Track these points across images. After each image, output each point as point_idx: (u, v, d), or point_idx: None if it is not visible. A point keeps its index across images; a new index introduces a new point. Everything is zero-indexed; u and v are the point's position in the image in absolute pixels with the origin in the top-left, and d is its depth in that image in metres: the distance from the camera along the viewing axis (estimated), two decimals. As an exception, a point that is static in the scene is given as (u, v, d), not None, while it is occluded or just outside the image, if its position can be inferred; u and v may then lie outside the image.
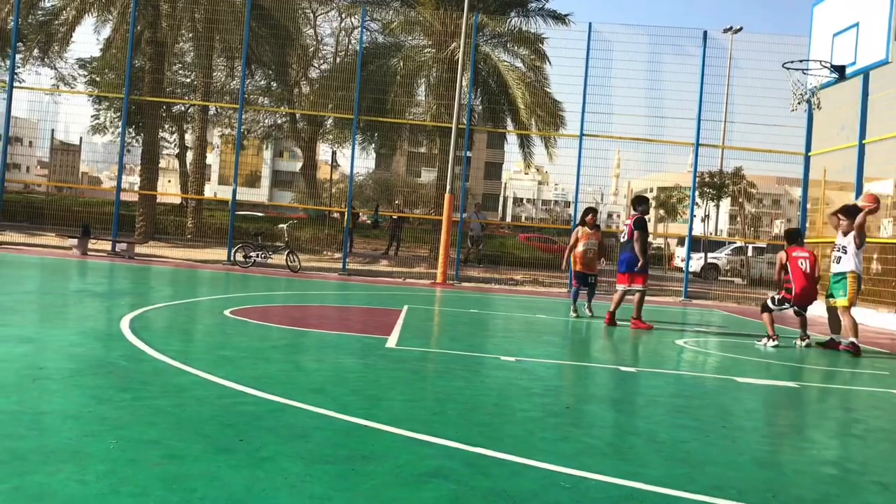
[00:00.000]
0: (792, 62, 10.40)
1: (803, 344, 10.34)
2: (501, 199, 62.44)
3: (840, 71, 10.12)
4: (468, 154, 22.82)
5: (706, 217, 35.25)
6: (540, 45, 24.74)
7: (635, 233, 11.26)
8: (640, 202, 11.75)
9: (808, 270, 10.24)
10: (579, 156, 19.92)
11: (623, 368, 7.68)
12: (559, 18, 24.58)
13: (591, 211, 13.02)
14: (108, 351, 6.43)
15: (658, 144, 20.45)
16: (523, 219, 68.66)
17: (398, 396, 5.50)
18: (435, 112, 24.03)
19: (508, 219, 59.95)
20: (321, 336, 8.39)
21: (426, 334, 9.71)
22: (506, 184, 64.81)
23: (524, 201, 73.66)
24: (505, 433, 4.62)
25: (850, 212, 9.88)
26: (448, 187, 19.68)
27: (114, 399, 4.74)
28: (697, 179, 24.55)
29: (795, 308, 10.43)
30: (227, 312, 9.64)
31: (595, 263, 12.86)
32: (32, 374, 5.30)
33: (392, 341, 8.15)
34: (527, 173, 61.54)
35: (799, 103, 10.69)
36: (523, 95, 23.24)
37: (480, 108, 25.57)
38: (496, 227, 36.10)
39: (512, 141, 28.59)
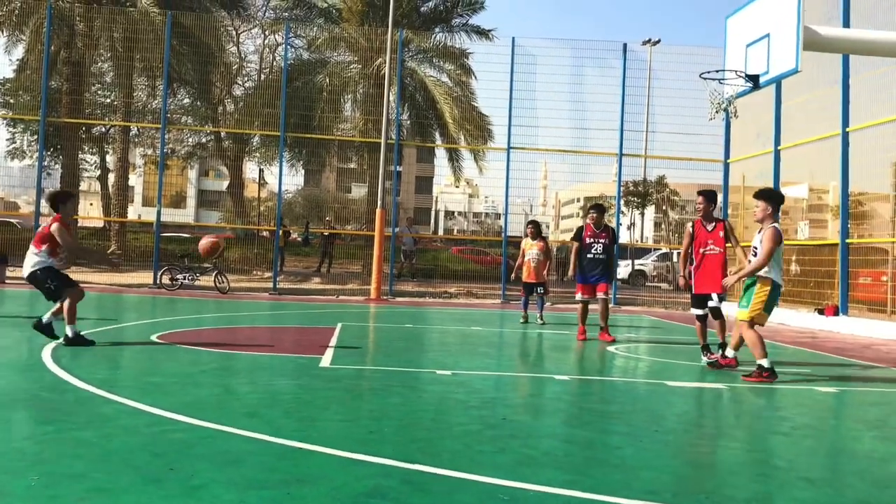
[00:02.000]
0: (708, 72, 10.73)
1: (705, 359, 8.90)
2: (433, 212, 62.59)
3: (754, 80, 10.48)
4: (398, 169, 22.81)
5: (632, 225, 36.06)
6: (465, 59, 24.95)
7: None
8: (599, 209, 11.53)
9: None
10: (507, 168, 20.16)
11: (558, 377, 7.76)
12: (483, 34, 24.86)
13: (532, 223, 13.49)
14: (28, 382, 6.17)
15: (583, 156, 20.84)
16: (455, 232, 69.00)
17: (333, 416, 5.43)
18: (363, 128, 23.96)
19: (441, 232, 60.14)
20: (253, 358, 8.23)
21: (361, 352, 9.62)
22: (437, 197, 65.05)
23: (456, 214, 74.04)
24: (443, 448, 4.61)
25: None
26: (379, 202, 19.63)
27: (35, 433, 4.54)
28: (622, 188, 25.08)
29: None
30: (154, 337, 9.38)
31: (541, 272, 13.23)
32: (-55, 411, 5.04)
33: (326, 360, 8.05)
34: (457, 186, 61.81)
35: (717, 112, 11.00)
36: (451, 110, 23.37)
37: (409, 122, 25.61)
38: (429, 240, 36.14)
39: (441, 155, 28.68)
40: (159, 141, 32.95)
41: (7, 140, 34.22)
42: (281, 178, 21.21)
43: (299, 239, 34.10)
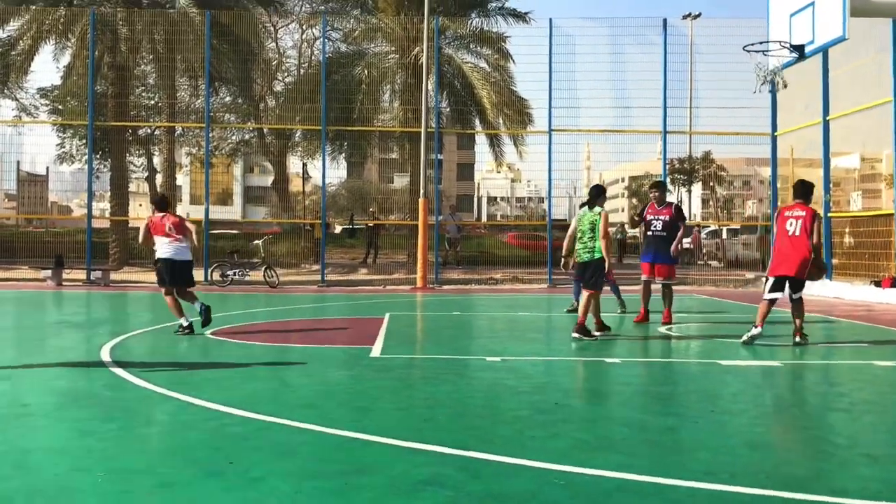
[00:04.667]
0: (752, 44, 10.52)
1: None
2: (476, 199, 62.51)
3: (799, 50, 10.25)
4: (439, 157, 22.83)
5: (679, 203, 35.57)
6: (502, 44, 24.78)
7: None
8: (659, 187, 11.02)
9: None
10: (549, 151, 20.01)
11: (608, 360, 7.71)
12: (519, 17, 24.66)
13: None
14: (90, 382, 6.35)
15: (626, 135, 20.59)
16: (498, 217, 68.81)
17: (387, 406, 5.49)
18: (403, 117, 24.00)
19: (484, 218, 60.05)
20: (304, 350, 8.35)
21: (410, 340, 9.68)
22: (479, 184, 64.91)
23: (498, 200, 73.84)
24: (496, 434, 4.63)
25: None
26: (422, 191, 19.67)
27: (99, 430, 4.68)
28: (668, 166, 24.70)
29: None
30: (208, 333, 9.55)
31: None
32: (14, 411, 5.22)
33: (376, 350, 8.12)
34: (498, 172, 61.61)
35: (762, 84, 10.80)
36: (489, 95, 23.27)
37: (448, 110, 25.58)
38: (472, 227, 36.13)
39: (482, 141, 28.64)
40: (204, 140, 33.57)
41: (57, 145, 35.06)
42: (324, 171, 21.38)
43: (336, 231, 34.38)
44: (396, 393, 6.01)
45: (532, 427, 4.82)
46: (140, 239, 9.81)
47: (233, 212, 52.69)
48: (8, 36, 24.27)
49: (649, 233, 10.56)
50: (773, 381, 6.93)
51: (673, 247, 10.30)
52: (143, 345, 8.77)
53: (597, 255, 8.83)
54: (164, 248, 9.50)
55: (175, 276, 9.58)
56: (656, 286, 10.70)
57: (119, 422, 4.88)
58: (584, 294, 9.02)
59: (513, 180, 71.81)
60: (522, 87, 24.30)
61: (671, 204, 10.70)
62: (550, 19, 20.00)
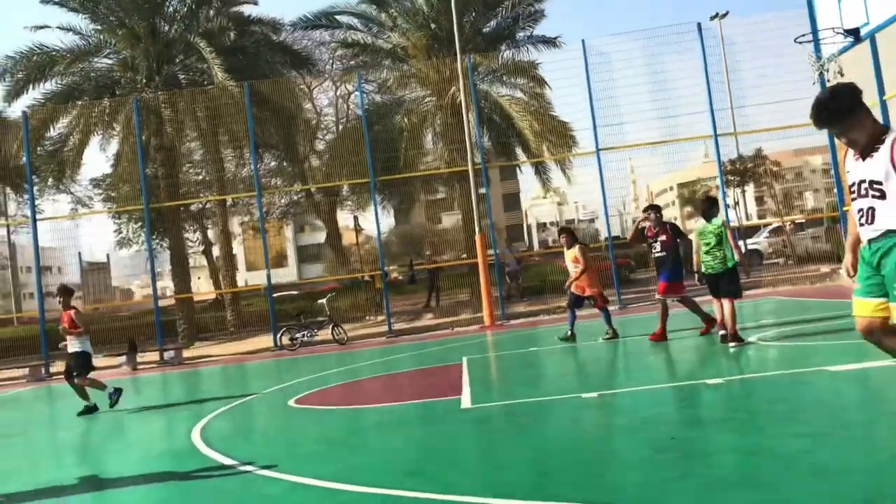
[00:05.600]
0: (803, 35, 10.19)
1: None
2: (525, 227, 62.24)
3: (855, 34, 9.89)
4: (487, 191, 22.70)
5: (736, 204, 34.76)
6: (536, 71, 24.76)
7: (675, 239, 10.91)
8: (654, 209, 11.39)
9: None
10: (600, 171, 19.74)
11: (709, 382, 7.37)
12: (550, 42, 24.67)
13: (563, 231, 12.64)
14: (187, 467, 6.26)
15: (673, 144, 20.25)
16: (550, 242, 68.33)
17: (498, 462, 5.26)
18: (447, 157, 24.04)
19: (536, 245, 59.65)
20: (393, 410, 8.18)
21: (497, 385, 9.46)
22: (526, 212, 64.67)
23: (548, 225, 73.40)
24: (624, 481, 4.37)
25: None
26: (477, 227, 19.57)
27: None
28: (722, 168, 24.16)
29: None
30: (291, 403, 9.46)
31: (586, 283, 12.04)
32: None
33: (466, 401, 7.91)
34: (545, 198, 61.39)
35: (819, 74, 10.43)
36: (530, 124, 23.19)
37: (490, 143, 25.58)
38: (529, 257, 35.79)
39: (526, 170, 28.51)
40: (254, 207, 34.10)
41: (114, 231, 36.01)
42: (378, 222, 21.47)
43: (400, 278, 34.41)
44: (502, 446, 5.78)
45: (657, 468, 4.55)
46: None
47: (289, 273, 53.28)
48: (59, 133, 25.07)
49: (653, 254, 11.14)
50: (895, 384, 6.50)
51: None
52: (231, 423, 8.71)
53: (729, 265, 9.25)
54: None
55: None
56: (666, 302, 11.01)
57: (230, 512, 4.75)
58: (726, 303, 9.29)
59: (559, 204, 71.45)
60: (562, 111, 24.17)
61: (666, 224, 11.01)
62: (583, 41, 19.90)
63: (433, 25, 25.01)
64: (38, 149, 24.73)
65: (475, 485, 4.62)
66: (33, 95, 25.28)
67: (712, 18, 31.92)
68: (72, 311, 10.67)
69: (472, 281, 23.37)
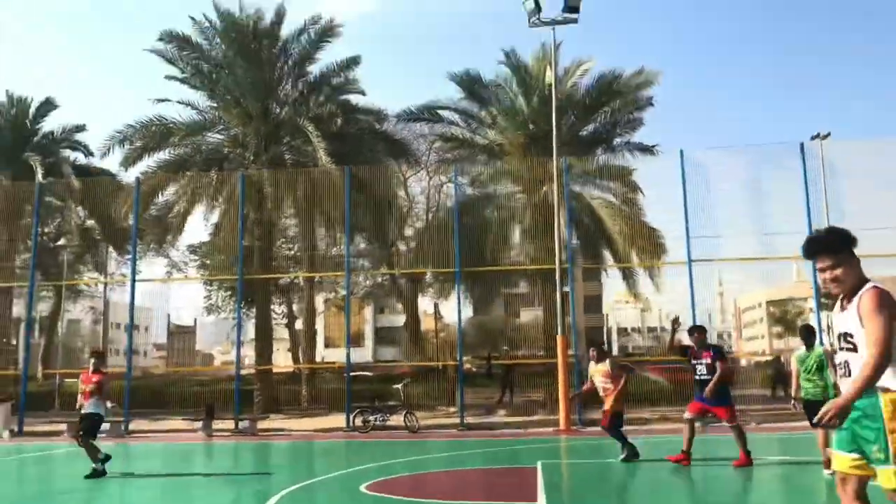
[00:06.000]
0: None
1: None
2: (605, 330, 61.23)
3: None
4: (572, 291, 22.57)
5: (829, 328, 33.47)
6: (630, 176, 24.87)
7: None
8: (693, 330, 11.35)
9: None
10: (691, 282, 19.41)
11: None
12: (646, 150, 24.81)
13: (594, 346, 12.32)
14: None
15: (767, 262, 19.84)
16: (630, 349, 66.84)
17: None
18: (532, 254, 24.13)
19: (616, 351, 58.46)
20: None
21: (575, 496, 9.17)
22: (607, 315, 63.73)
23: (629, 330, 72.00)
24: None
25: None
26: (559, 329, 19.40)
27: None
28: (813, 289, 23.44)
29: None
30: (363, 489, 9.39)
31: (615, 400, 11.66)
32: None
33: (542, 508, 7.70)
34: (627, 303, 60.52)
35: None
36: (620, 228, 23.18)
37: (577, 244, 25.60)
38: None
39: (612, 273, 28.32)
40: (339, 286, 34.77)
41: (205, 297, 37.23)
42: (460, 314, 21.54)
43: (474, 370, 34.12)
44: None
45: None
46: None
47: (365, 354, 53.66)
48: (165, 200, 26.41)
49: (696, 377, 10.83)
50: None
51: (708, 389, 10.41)
52: (304, 502, 8.69)
53: (830, 394, 8.93)
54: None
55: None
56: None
57: None
58: (820, 432, 8.98)
59: (643, 310, 70.21)
60: (654, 217, 24.01)
61: (710, 346, 10.92)
62: (681, 150, 19.95)
63: (531, 126, 25.59)
64: (145, 213, 26.07)
65: None
66: (147, 163, 26.84)
67: (813, 138, 31.58)
68: (102, 376, 11.18)
69: (548, 381, 23.00)
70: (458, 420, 20.08)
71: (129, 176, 27.47)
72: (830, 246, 4.13)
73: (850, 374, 4.07)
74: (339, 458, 14.23)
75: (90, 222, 32.03)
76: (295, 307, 37.03)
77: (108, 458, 11.02)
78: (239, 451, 16.12)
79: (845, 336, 4.10)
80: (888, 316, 3.96)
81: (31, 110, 32.74)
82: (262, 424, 20.63)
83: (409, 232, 32.59)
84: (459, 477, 11.08)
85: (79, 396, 11.19)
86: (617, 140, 26.11)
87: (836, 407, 3.95)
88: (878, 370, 3.92)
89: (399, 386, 20.23)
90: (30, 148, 31.68)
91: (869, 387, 3.95)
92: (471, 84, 26.34)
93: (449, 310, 41.90)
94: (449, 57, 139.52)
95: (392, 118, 28.50)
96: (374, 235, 28.72)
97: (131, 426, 20.33)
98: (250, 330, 28.20)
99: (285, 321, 37.88)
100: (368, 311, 58.69)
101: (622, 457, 11.43)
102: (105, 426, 19.90)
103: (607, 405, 11.70)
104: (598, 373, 11.78)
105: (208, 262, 33.78)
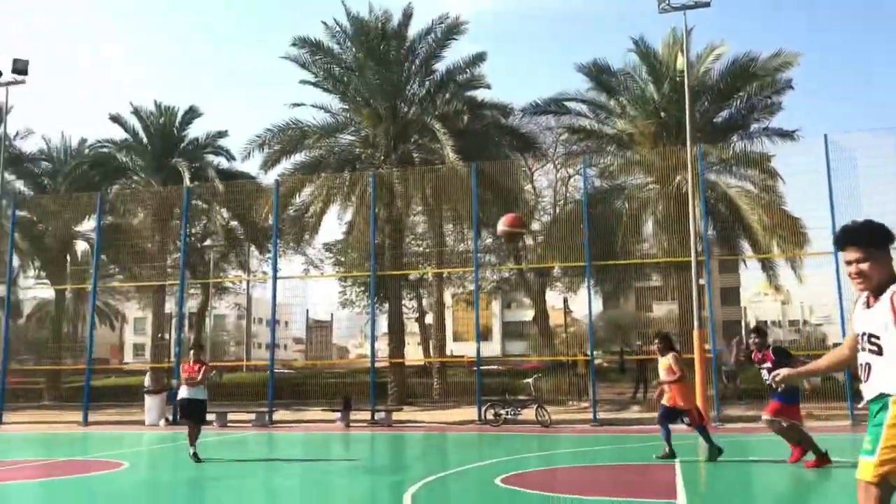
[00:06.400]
0: None
1: None
2: (743, 324, 58.76)
3: None
4: (703, 282, 21.82)
5: (778, 344, 30.97)
6: (769, 163, 23.75)
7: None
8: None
9: None
10: (837, 274, 18.33)
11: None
12: (786, 135, 23.61)
13: (660, 337, 11.93)
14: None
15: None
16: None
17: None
18: (665, 246, 23.48)
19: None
20: (604, 504, 7.93)
21: (716, 495, 8.89)
22: (745, 308, 61.13)
23: (768, 324, 68.80)
24: None
25: None
26: (696, 323, 18.81)
27: None
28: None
29: None
30: (497, 481, 9.46)
31: (680, 396, 11.30)
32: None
33: (682, 505, 7.51)
34: (767, 294, 57.84)
35: None
36: (759, 217, 22.18)
37: (713, 235, 24.71)
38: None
39: (751, 265, 27.13)
40: (467, 281, 35.10)
41: (339, 293, 38.54)
42: (590, 308, 21.22)
43: (605, 365, 33.61)
44: None
45: None
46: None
47: (493, 348, 53.95)
48: (302, 201, 27.50)
49: (766, 381, 10.11)
50: None
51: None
52: (441, 493, 8.87)
53: None
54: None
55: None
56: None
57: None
58: None
59: (783, 303, 66.89)
60: (795, 206, 22.81)
61: (769, 347, 10.63)
62: (825, 135, 18.85)
63: (662, 114, 24.87)
64: (284, 214, 27.25)
65: None
66: (284, 165, 28.03)
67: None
68: (202, 366, 12.11)
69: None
70: (590, 415, 19.85)
71: (268, 178, 28.78)
72: (861, 238, 3.91)
73: (867, 380, 3.78)
74: (472, 451, 14.41)
75: (233, 223, 33.76)
76: (425, 302, 37.67)
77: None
78: (375, 441, 16.61)
79: (870, 337, 3.82)
80: None
81: (178, 118, 34.80)
82: (395, 416, 21.14)
83: (536, 226, 32.45)
84: (594, 472, 10.97)
85: (177, 384, 12.52)
86: (754, 126, 24.98)
87: (789, 373, 4.36)
88: None
89: (529, 380, 20.21)
90: (177, 154, 33.68)
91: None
92: (598, 74, 25.88)
93: (578, 304, 41.53)
94: (574, 48, 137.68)
95: (518, 112, 28.47)
96: (501, 230, 28.77)
97: (275, 416, 21.33)
98: (383, 324, 28.94)
99: (416, 316, 38.61)
100: (496, 306, 58.91)
101: (659, 454, 11.24)
102: (251, 416, 21.06)
103: (665, 399, 11.40)
104: (662, 366, 11.45)
105: (343, 259, 34.97)
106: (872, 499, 3.72)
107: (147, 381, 24.66)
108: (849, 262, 3.99)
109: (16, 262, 30.69)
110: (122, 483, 10.23)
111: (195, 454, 11.60)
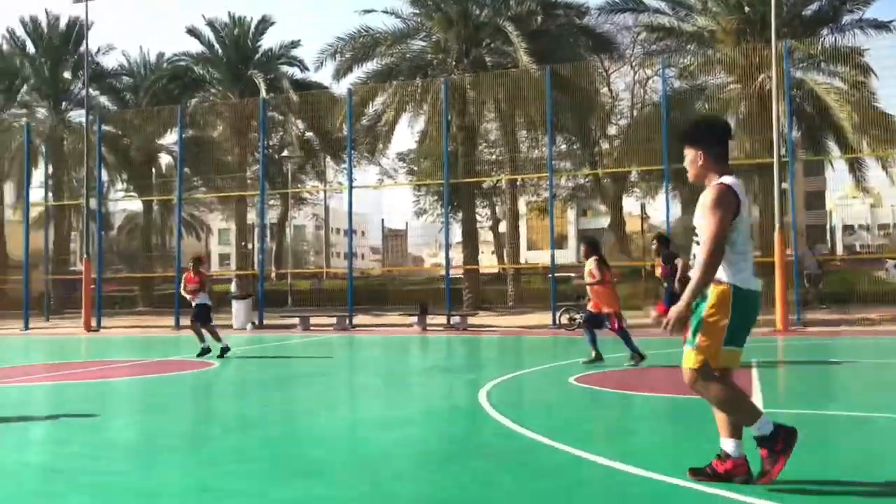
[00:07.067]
0: None
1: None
2: (828, 228, 56.87)
3: None
4: (787, 186, 21.12)
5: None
6: (861, 58, 22.41)
7: None
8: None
9: None
10: (931, 172, 17.47)
11: None
12: (882, 26, 22.15)
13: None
14: (474, 429, 6.67)
15: None
16: (858, 247, 61.76)
17: (807, 471, 4.87)
18: (748, 149, 22.69)
19: (840, 250, 54.29)
20: (675, 401, 8.00)
21: (794, 394, 8.86)
22: (830, 212, 58.98)
23: (856, 228, 66.26)
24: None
25: None
26: (777, 225, 18.31)
27: (495, 481, 4.81)
28: None
29: None
30: (572, 380, 9.62)
31: (599, 299, 11.36)
32: (415, 455, 5.62)
33: (757, 403, 7.50)
34: (854, 197, 55.56)
35: None
36: (849, 115, 21.12)
37: (798, 136, 23.71)
38: (832, 261, 32.69)
39: (837, 166, 26.07)
40: (542, 188, 34.82)
41: (413, 202, 38.90)
42: (668, 213, 20.89)
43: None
44: (814, 453, 5.29)
45: None
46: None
47: (568, 255, 53.75)
48: (374, 111, 27.52)
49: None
50: None
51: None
52: (515, 391, 9.11)
53: None
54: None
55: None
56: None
57: (513, 474, 4.98)
58: None
59: (872, 205, 64.15)
60: (889, 103, 21.61)
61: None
62: (924, 24, 17.62)
63: (746, 8, 23.63)
64: (357, 123, 27.37)
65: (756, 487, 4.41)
66: (357, 74, 27.97)
67: None
68: (201, 276, 13.19)
69: (765, 281, 21.91)
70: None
71: (341, 88, 28.82)
72: (689, 135, 4.29)
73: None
74: (546, 353, 14.65)
75: (309, 134, 34.14)
76: (498, 210, 37.69)
77: (207, 350, 12.94)
78: (451, 343, 17.03)
79: (693, 230, 4.11)
80: (722, 213, 3.95)
81: (251, 29, 34.91)
82: (470, 321, 21.55)
83: (612, 130, 31.75)
84: (669, 374, 11.00)
85: (185, 293, 13.26)
86: (846, 18, 23.50)
87: (673, 316, 4.15)
88: (708, 269, 3.93)
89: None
90: (252, 66, 33.97)
91: (704, 287, 3.97)
92: (679, -33, 24.66)
93: (655, 210, 40.79)
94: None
95: (594, 11, 27.50)
96: (576, 135, 28.29)
97: (355, 321, 22.03)
98: (457, 233, 29.17)
99: (489, 224, 38.75)
100: (571, 214, 58.39)
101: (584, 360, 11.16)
102: (332, 320, 21.80)
103: (589, 305, 11.42)
104: (585, 271, 11.37)
105: (416, 168, 35.10)
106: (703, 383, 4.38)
107: (233, 287, 25.71)
108: (685, 158, 4.24)
109: (104, 176, 31.89)
110: (213, 379, 10.86)
111: (226, 346, 12.93)
